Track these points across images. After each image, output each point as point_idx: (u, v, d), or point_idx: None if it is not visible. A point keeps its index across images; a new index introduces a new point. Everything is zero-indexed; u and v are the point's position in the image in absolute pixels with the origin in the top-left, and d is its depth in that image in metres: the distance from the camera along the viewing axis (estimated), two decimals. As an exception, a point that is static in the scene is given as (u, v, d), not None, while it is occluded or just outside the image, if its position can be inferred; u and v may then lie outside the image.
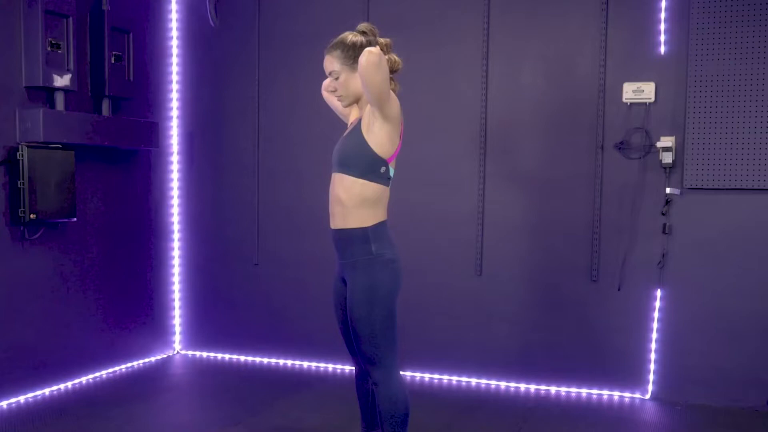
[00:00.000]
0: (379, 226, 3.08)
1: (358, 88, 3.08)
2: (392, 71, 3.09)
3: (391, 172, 3.11)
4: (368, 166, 3.03)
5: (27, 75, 4.34)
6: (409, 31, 4.99)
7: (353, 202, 3.05)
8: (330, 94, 3.39)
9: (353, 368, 5.13)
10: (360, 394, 3.37)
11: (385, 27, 5.00)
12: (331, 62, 3.10)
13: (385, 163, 3.05)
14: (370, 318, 2.99)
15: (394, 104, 2.99)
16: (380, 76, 2.85)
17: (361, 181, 3.04)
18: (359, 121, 3.09)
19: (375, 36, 3.11)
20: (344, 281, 3.16)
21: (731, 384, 4.48)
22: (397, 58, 3.11)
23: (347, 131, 3.20)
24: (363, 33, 3.10)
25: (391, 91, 3.00)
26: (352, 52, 3.04)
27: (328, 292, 5.04)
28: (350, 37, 3.09)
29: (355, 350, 3.25)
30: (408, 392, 3.11)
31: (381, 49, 2.98)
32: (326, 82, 3.36)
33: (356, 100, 3.17)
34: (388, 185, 3.11)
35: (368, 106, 3.00)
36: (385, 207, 3.15)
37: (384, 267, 3.03)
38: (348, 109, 3.30)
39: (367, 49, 2.85)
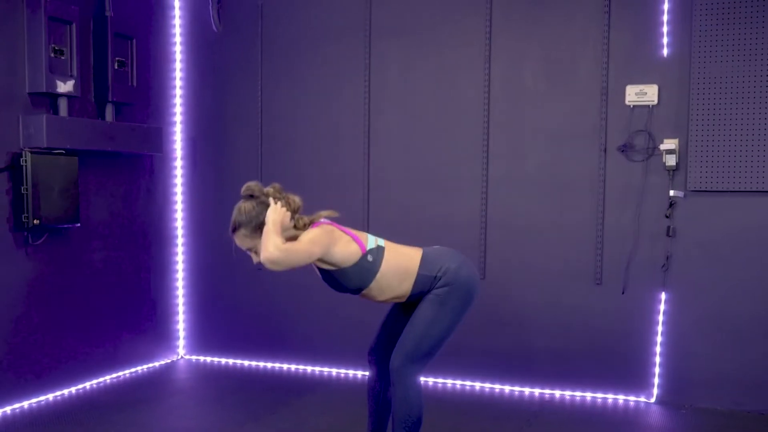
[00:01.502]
0: (423, 260, 3.14)
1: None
2: (294, 211, 3.06)
3: (373, 245, 3.11)
4: (363, 272, 3.07)
5: (30, 81, 4.35)
6: (411, 34, 4.99)
7: (394, 289, 3.13)
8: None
9: (357, 373, 5.15)
10: (371, 396, 3.38)
11: (388, 32, 5.04)
12: (243, 242, 3.05)
13: (362, 256, 3.06)
14: (432, 325, 3.09)
15: (318, 246, 2.96)
16: (291, 260, 2.89)
17: (376, 280, 3.09)
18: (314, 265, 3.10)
19: (261, 192, 3.06)
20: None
21: (736, 387, 4.45)
22: (293, 197, 3.07)
23: (318, 272, 3.16)
24: (250, 197, 3.06)
25: (306, 234, 2.98)
26: (255, 221, 2.99)
27: (331, 298, 5.04)
28: (243, 209, 3.03)
29: (377, 350, 3.28)
30: (423, 399, 3.13)
31: (276, 200, 2.99)
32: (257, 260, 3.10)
33: (287, 239, 3.01)
34: (384, 253, 3.12)
35: None
36: (408, 252, 3.18)
37: (456, 281, 3.11)
38: (310, 259, 3.12)
39: (263, 259, 2.85)
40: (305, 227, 3.07)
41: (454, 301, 3.11)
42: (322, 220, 3.11)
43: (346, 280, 3.09)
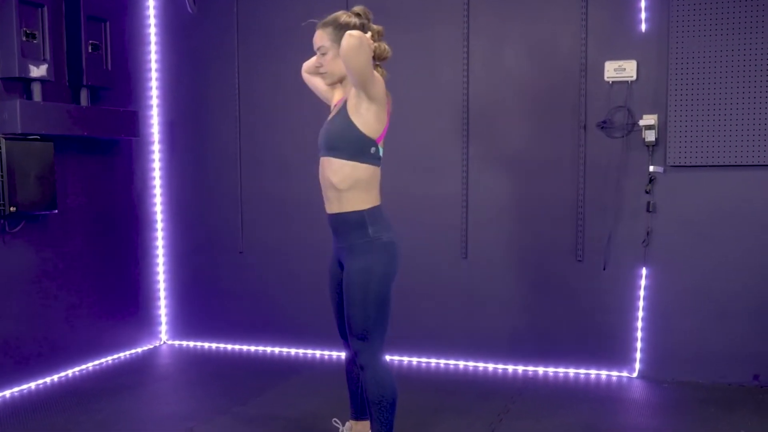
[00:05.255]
0: (375, 210, 3.09)
1: (344, 67, 3.03)
2: (381, 59, 3.08)
3: (381, 152, 3.10)
4: (358, 147, 3.01)
5: (2, 66, 4.27)
6: (388, 12, 4.93)
7: (346, 184, 3.04)
8: (311, 75, 3.38)
9: (341, 354, 5.15)
10: (350, 379, 3.36)
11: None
12: (322, 37, 3.08)
13: (374, 143, 3.03)
14: (364, 300, 3.01)
15: (379, 85, 2.96)
16: (361, 59, 2.83)
17: (351, 163, 3.03)
18: (344, 102, 3.06)
19: (369, 20, 3.09)
20: (341, 264, 3.17)
21: (718, 360, 4.50)
22: (386, 46, 3.09)
23: (332, 113, 3.17)
24: (357, 15, 3.07)
25: (376, 73, 2.98)
26: (344, 29, 2.98)
27: (314, 279, 5.03)
28: (344, 17, 3.06)
29: (344, 333, 3.26)
30: (394, 377, 3.11)
31: (372, 37, 2.99)
32: (308, 63, 3.35)
33: (340, 80, 3.14)
34: (378, 165, 3.10)
35: (353, 87, 2.98)
36: (378, 189, 3.15)
37: (381, 250, 3.04)
38: (330, 91, 3.29)
39: (348, 32, 2.83)
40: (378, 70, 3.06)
41: (379, 268, 3.01)
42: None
43: (345, 132, 3.00)
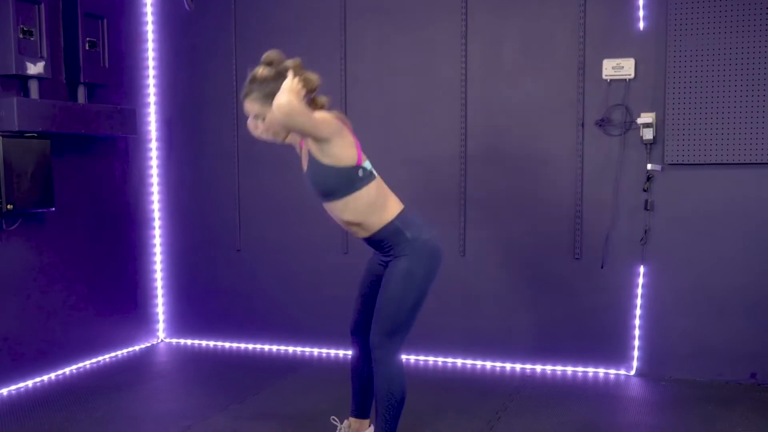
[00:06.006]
0: (403, 215, 3.11)
1: None
2: (311, 90, 3.01)
3: (369, 167, 3.08)
4: (346, 181, 3.01)
5: (-1, 63, 4.27)
6: (387, 11, 4.95)
7: (361, 216, 3.06)
8: (260, 134, 3.22)
9: (339, 352, 5.15)
10: (355, 376, 3.38)
11: (363, 9, 4.99)
12: (252, 106, 3.02)
13: (356, 168, 3.02)
14: (402, 299, 3.05)
15: (324, 124, 2.91)
16: (298, 120, 2.83)
17: (351, 197, 3.03)
18: (308, 151, 3.03)
19: (282, 62, 3.01)
20: (383, 261, 3.18)
21: (715, 358, 4.51)
22: (311, 76, 3.00)
23: (304, 162, 3.13)
24: (269, 64, 3.01)
25: (318, 112, 2.94)
26: (268, 88, 2.95)
27: (311, 276, 5.03)
28: (259, 73, 2.99)
29: (358, 329, 3.27)
30: (405, 376, 3.12)
31: (294, 74, 2.91)
32: (251, 124, 3.13)
33: (289, 132, 3.06)
34: (374, 179, 3.09)
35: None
36: (392, 197, 3.15)
37: (423, 251, 3.07)
38: (289, 138, 3.16)
39: (275, 103, 2.80)
40: (322, 108, 3.03)
41: (421, 270, 3.06)
42: (340, 116, 3.05)
43: (327, 178, 2.99)
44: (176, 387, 4.67)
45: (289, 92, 2.81)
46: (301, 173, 3.17)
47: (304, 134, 2.95)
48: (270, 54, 3.03)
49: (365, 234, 3.12)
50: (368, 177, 3.05)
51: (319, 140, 2.93)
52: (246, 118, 3.12)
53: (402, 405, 3.12)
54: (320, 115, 2.94)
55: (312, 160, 3.03)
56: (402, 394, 3.10)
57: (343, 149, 2.97)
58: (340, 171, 2.98)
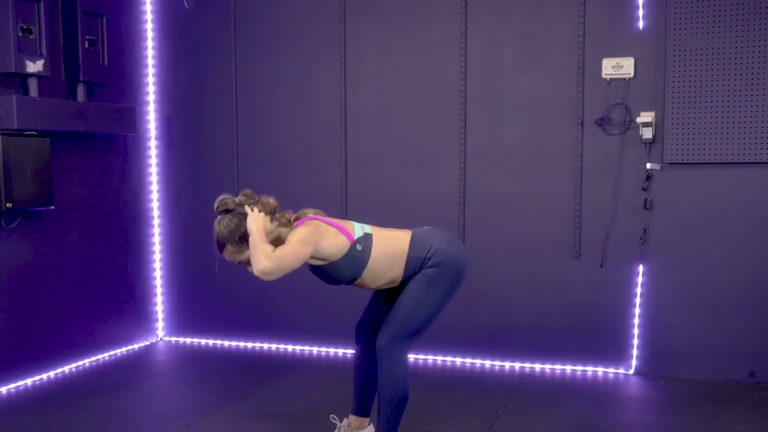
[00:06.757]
0: (412, 242, 3.14)
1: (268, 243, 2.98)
2: (271, 213, 3.06)
3: (359, 232, 3.11)
4: (353, 262, 3.07)
5: (-2, 61, 4.26)
6: (387, 11, 4.95)
7: (389, 272, 3.12)
8: None
9: (338, 351, 5.15)
10: (358, 375, 3.39)
11: (363, 8, 4.99)
12: (233, 257, 3.06)
13: (351, 247, 3.06)
14: (422, 301, 3.09)
15: (307, 246, 2.95)
16: (287, 266, 2.88)
17: (368, 268, 3.09)
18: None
19: (234, 204, 3.04)
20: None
21: (714, 357, 4.51)
22: (266, 199, 3.07)
23: (309, 267, 3.16)
24: (226, 211, 3.03)
25: (294, 234, 2.96)
26: (238, 234, 2.98)
27: (311, 275, 5.03)
28: (222, 225, 3.01)
29: (365, 327, 3.28)
30: (409, 377, 3.13)
31: (249, 204, 2.99)
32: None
33: (277, 244, 3.03)
34: (372, 240, 3.11)
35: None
36: (396, 235, 3.17)
37: (447, 262, 3.11)
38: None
39: (255, 271, 2.86)
40: (289, 224, 3.07)
41: (444, 280, 3.11)
42: (309, 215, 3.10)
43: (338, 273, 3.09)
44: (175, 385, 4.67)
45: (258, 250, 2.85)
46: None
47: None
48: (221, 200, 3.06)
49: (402, 278, 3.16)
50: (368, 243, 3.09)
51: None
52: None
53: (405, 405, 3.13)
54: (296, 236, 2.95)
55: (315, 267, 3.11)
56: (405, 394, 3.12)
57: (332, 245, 3.02)
58: (343, 260, 3.05)
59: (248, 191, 3.08)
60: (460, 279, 3.16)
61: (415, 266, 3.12)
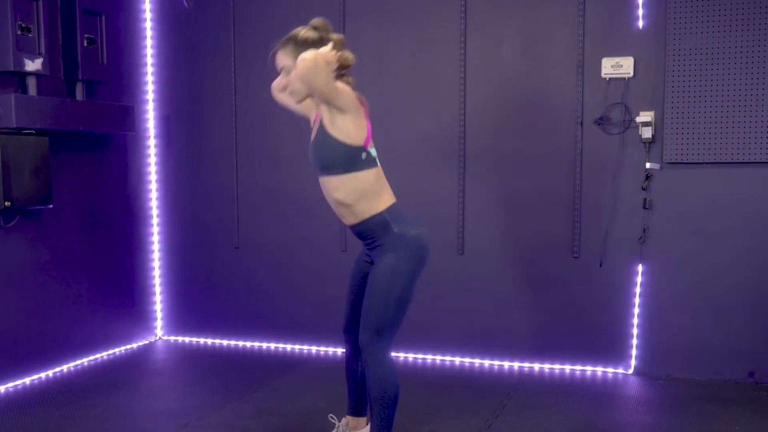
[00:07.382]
0: (393, 208, 3.09)
1: None
2: (345, 67, 3.04)
3: (374, 153, 3.08)
4: (348, 159, 3.00)
5: (-3, 59, 4.25)
6: (386, 10, 4.94)
7: (352, 197, 3.04)
8: (281, 93, 3.33)
9: (337, 350, 5.15)
10: (349, 375, 3.37)
11: (362, 8, 4.98)
12: (283, 58, 3.06)
13: (362, 149, 3.01)
14: (388, 296, 3.02)
15: (345, 95, 2.93)
16: (318, 80, 2.83)
17: (349, 175, 3.02)
18: (320, 120, 3.05)
19: (328, 32, 3.04)
20: (369, 257, 3.18)
21: (713, 357, 4.51)
22: (349, 55, 3.04)
23: (314, 132, 3.14)
24: (315, 29, 3.04)
25: (340, 84, 2.95)
26: (304, 48, 2.96)
27: (310, 274, 5.02)
28: (302, 32, 3.03)
29: (350, 327, 3.27)
30: (397, 374, 3.11)
31: (334, 47, 2.94)
32: (276, 82, 3.29)
33: (309, 95, 3.09)
34: (376, 166, 3.08)
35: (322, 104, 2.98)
36: (387, 189, 3.14)
37: (409, 246, 3.05)
38: (305, 107, 3.25)
39: (300, 56, 2.82)
40: (348, 84, 3.03)
41: (406, 266, 3.05)
42: (364, 102, 3.07)
43: (331, 150, 2.99)
44: (174, 384, 4.66)
45: (319, 55, 2.82)
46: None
47: (321, 98, 2.92)
48: (319, 20, 3.07)
49: (353, 220, 3.09)
50: (370, 162, 3.05)
51: (333, 109, 2.93)
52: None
53: (396, 403, 3.10)
54: (342, 86, 2.94)
55: (321, 130, 3.03)
56: (395, 393, 3.08)
57: (354, 126, 2.97)
58: (346, 147, 2.98)
59: (343, 37, 3.06)
60: (423, 263, 3.10)
61: (377, 227, 3.04)
